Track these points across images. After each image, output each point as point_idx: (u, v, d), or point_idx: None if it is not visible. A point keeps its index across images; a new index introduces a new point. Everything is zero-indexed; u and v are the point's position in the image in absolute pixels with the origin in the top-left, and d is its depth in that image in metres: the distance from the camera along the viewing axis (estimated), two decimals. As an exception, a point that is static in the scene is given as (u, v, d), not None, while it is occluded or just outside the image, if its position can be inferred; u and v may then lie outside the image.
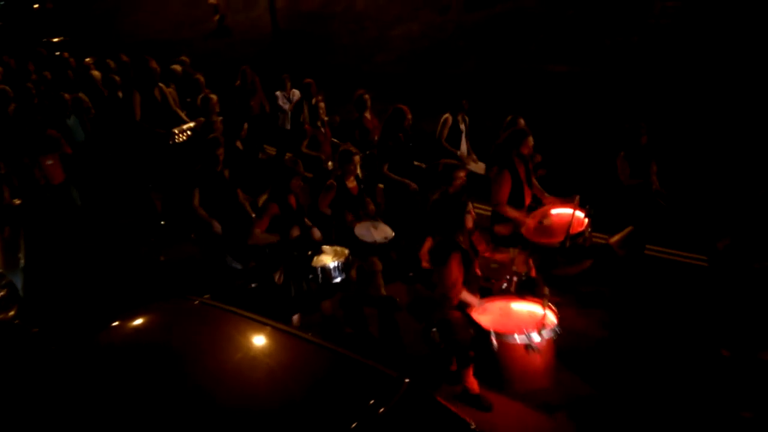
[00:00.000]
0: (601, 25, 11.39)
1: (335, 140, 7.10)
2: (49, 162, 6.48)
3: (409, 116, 6.05)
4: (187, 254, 6.01)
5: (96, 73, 8.96)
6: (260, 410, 2.43)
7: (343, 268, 4.53)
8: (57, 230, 6.45)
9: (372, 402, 2.51)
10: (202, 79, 8.24)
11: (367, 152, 6.48)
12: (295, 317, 4.79)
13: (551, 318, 3.69)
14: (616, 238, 5.17)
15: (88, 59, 10.58)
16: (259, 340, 2.98)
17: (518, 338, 3.55)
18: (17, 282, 4.69)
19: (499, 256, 4.65)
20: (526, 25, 12.61)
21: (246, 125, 6.51)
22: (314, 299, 4.82)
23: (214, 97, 7.25)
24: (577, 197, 4.58)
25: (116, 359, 2.79)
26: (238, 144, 6.22)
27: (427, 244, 4.27)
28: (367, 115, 6.96)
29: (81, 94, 7.96)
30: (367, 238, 4.86)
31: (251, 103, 8.51)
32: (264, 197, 5.51)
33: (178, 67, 9.06)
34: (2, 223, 5.04)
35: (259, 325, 3.05)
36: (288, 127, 8.43)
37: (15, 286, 4.60)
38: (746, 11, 9.61)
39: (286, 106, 8.41)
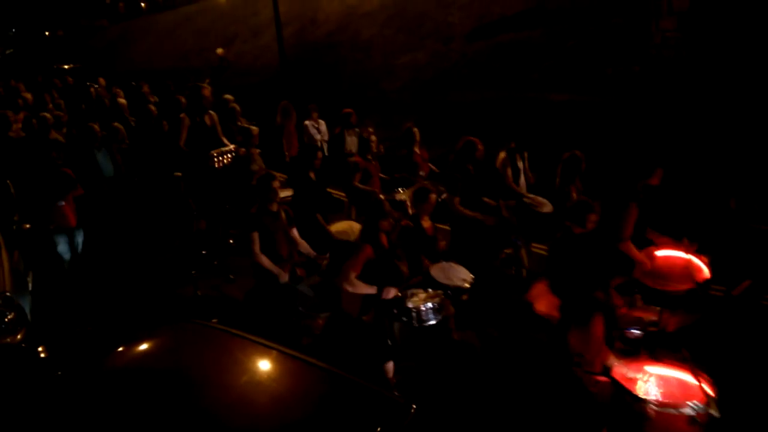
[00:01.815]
0: (602, 54, 11.55)
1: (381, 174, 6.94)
2: (61, 203, 6.10)
3: (481, 147, 5.79)
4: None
5: (123, 101, 8.88)
6: (266, 435, 2.41)
7: (439, 308, 4.20)
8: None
9: (379, 429, 2.50)
10: (238, 108, 8.09)
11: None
12: (390, 365, 4.41)
13: (708, 388, 3.22)
14: (738, 289, 4.63)
15: (115, 88, 10.66)
16: (266, 365, 2.97)
17: (686, 410, 3.11)
18: (25, 305, 4.71)
19: (642, 313, 4.05)
20: (529, 54, 12.79)
21: (320, 154, 6.18)
22: (409, 344, 4.44)
23: (255, 129, 7.06)
24: (686, 239, 4.25)
25: (122, 384, 2.78)
26: (311, 175, 5.89)
27: (538, 288, 3.97)
28: (416, 149, 6.78)
29: (117, 124, 7.60)
30: (446, 281, 4.48)
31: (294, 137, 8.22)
32: (340, 226, 5.47)
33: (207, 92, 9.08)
34: (12, 248, 5.07)
35: (266, 349, 3.04)
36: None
37: (23, 310, 4.61)
38: (747, 42, 9.75)
39: (317, 137, 8.19)
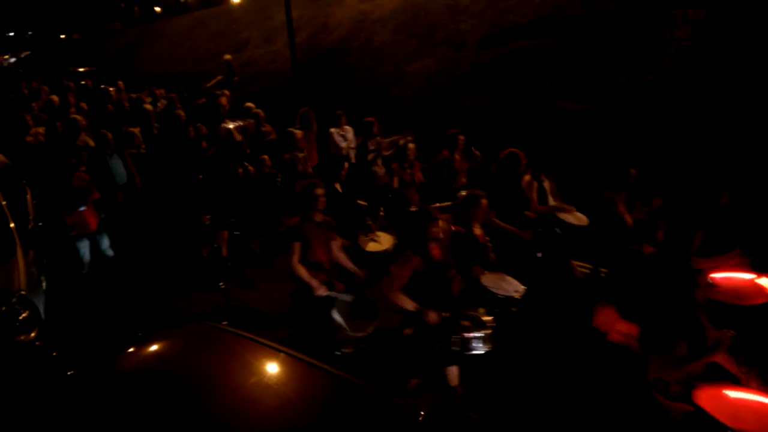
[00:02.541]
0: (616, 63, 11.53)
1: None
2: (81, 209, 6.12)
3: (524, 161, 5.67)
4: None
5: (149, 107, 8.74)
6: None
7: (487, 339, 3.93)
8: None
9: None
10: (262, 113, 7.98)
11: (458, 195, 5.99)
12: (414, 382, 4.26)
13: None
14: None
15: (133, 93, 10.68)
16: (276, 368, 2.97)
17: None
18: (39, 304, 4.75)
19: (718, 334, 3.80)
20: (541, 62, 12.79)
21: (347, 165, 5.96)
22: (440, 365, 4.17)
23: (298, 132, 6.96)
24: (739, 250, 4.13)
25: (130, 384, 2.80)
26: (337, 186, 5.72)
27: (605, 314, 3.77)
28: (458, 156, 6.60)
29: (133, 129, 7.48)
30: (500, 292, 4.33)
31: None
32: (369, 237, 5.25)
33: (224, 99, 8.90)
34: (27, 247, 5.12)
35: (275, 352, 3.04)
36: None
37: (37, 308, 4.65)
38: (762, 51, 9.70)
39: (343, 144, 7.94)
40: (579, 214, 5.76)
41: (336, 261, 4.81)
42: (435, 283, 4.10)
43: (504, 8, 15.01)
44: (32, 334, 4.44)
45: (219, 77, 14.95)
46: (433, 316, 3.95)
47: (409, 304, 4.00)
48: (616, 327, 3.69)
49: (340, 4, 20.35)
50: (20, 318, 4.41)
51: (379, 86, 15.69)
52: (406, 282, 4.02)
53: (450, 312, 4.00)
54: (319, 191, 4.62)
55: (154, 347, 3.22)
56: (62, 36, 40.27)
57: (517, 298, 4.34)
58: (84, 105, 9.85)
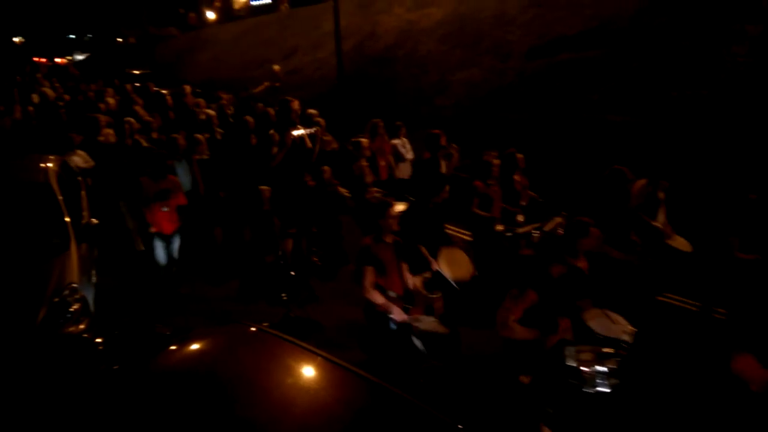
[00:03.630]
0: (668, 77, 11.22)
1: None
2: (165, 209, 6.23)
3: (631, 177, 5.32)
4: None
5: (211, 112, 8.73)
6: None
7: (612, 374, 3.48)
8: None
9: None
10: (323, 122, 7.87)
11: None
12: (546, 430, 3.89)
13: None
14: None
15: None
16: (315, 373, 2.97)
17: None
18: (89, 297, 4.93)
19: None
20: (589, 75, 12.57)
21: (448, 188, 5.83)
22: (557, 402, 3.78)
23: (364, 141, 6.90)
24: None
25: (170, 382, 2.84)
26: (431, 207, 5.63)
27: (746, 362, 3.25)
28: (517, 177, 6.40)
29: (198, 135, 7.43)
30: (609, 334, 3.82)
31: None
32: (445, 257, 4.93)
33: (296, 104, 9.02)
34: (80, 241, 5.32)
35: (314, 356, 3.05)
36: (407, 177, 7.75)
37: (87, 301, 4.82)
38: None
39: (408, 156, 7.80)
40: (681, 238, 5.28)
41: (409, 285, 4.60)
42: (544, 315, 3.82)
43: (552, 19, 14.82)
44: (81, 326, 4.59)
45: (266, 83, 15.25)
46: (553, 341, 3.68)
47: (527, 333, 3.78)
48: (760, 376, 3.24)
49: (387, 13, 20.49)
50: (71, 310, 4.58)
51: (423, 95, 15.70)
52: (520, 316, 3.78)
53: (564, 343, 3.70)
54: (392, 211, 4.39)
55: (195, 346, 3.28)
56: (119, 40, 41.90)
57: (626, 342, 3.82)
58: (143, 111, 10.02)
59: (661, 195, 5.50)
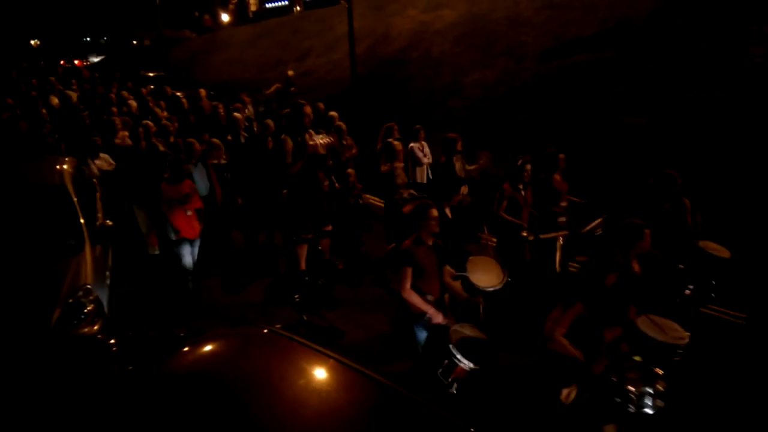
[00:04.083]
0: (684, 79, 11.09)
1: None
2: (189, 213, 6.26)
3: (680, 181, 5.21)
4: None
5: (238, 115, 8.62)
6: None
7: (659, 396, 3.38)
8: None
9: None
10: (344, 126, 7.82)
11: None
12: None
13: None
14: None
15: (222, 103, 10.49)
16: (326, 375, 2.97)
17: None
18: (103, 298, 4.96)
19: None
20: (604, 76, 12.46)
21: (465, 189, 5.56)
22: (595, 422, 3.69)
23: (397, 144, 6.77)
24: None
25: (182, 384, 2.84)
26: (447, 212, 5.28)
27: None
28: (557, 176, 6.21)
29: (215, 140, 7.33)
30: (660, 338, 3.77)
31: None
32: (475, 265, 4.86)
33: (321, 105, 9.04)
34: (95, 243, 5.37)
35: (325, 358, 3.05)
36: (425, 181, 7.64)
37: (101, 302, 4.85)
38: None
39: (425, 160, 7.66)
40: (714, 244, 5.16)
41: (448, 288, 4.57)
42: (590, 328, 3.72)
43: (566, 20, 14.72)
44: (95, 327, 4.62)
45: (277, 84, 15.29)
46: (598, 366, 3.57)
47: (574, 351, 3.68)
48: None
49: (401, 15, 20.49)
50: (85, 311, 4.62)
51: (436, 97, 15.66)
52: (567, 330, 3.71)
53: (609, 360, 3.60)
54: (434, 212, 4.34)
55: (207, 347, 3.28)
56: (134, 42, 42.40)
57: (681, 347, 3.76)
58: (162, 113, 10.05)
59: (686, 201, 5.46)
